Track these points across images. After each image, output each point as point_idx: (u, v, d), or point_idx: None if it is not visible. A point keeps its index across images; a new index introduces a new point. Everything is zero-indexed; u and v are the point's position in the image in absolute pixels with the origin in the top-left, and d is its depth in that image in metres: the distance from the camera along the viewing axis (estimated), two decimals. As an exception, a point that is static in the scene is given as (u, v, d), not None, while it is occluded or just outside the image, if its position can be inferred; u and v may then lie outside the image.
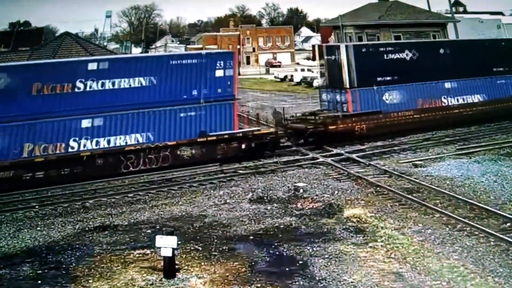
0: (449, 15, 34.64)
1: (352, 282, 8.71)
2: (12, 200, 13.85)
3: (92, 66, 15.34)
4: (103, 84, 15.26)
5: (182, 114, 16.17)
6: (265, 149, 17.49)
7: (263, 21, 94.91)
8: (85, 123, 15.04)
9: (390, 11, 31.54)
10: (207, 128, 16.47)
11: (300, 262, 9.55)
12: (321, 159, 17.30)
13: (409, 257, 9.56)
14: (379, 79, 19.57)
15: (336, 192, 13.67)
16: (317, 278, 8.88)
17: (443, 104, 20.92)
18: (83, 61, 16.43)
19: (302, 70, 47.07)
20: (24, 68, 15.49)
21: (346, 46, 19.89)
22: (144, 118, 15.73)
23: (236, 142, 16.87)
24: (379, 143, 19.30)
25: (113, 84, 15.41)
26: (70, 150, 14.92)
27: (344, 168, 16.02)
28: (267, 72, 57.03)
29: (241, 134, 17.07)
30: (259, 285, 8.73)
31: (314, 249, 10.07)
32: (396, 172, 15.21)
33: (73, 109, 14.90)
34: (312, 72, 41.21)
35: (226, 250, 10.21)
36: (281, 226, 11.41)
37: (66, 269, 9.57)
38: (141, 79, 15.72)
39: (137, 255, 10.05)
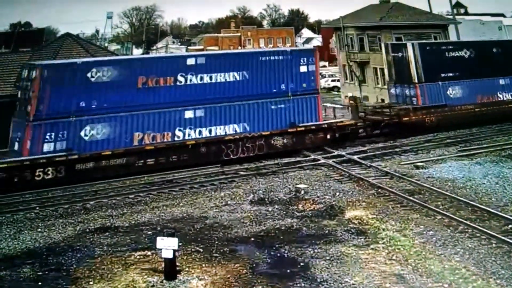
0: (450, 16, 34.63)
1: (353, 284, 8.68)
2: (12, 202, 13.84)
3: (191, 61, 16.76)
4: (201, 78, 16.66)
5: (273, 107, 17.57)
6: (347, 139, 18.99)
7: (264, 22, 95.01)
8: (188, 114, 16.41)
9: (391, 12, 31.51)
10: (295, 120, 17.89)
11: (301, 264, 9.52)
12: (322, 161, 17.27)
13: (411, 259, 9.53)
14: (442, 75, 21.43)
15: (337, 193, 13.64)
16: (318, 280, 8.85)
17: (499, 99, 22.65)
18: (183, 56, 18.68)
19: None
20: (130, 62, 16.83)
21: (413, 44, 21.67)
22: (239, 110, 17.10)
23: (322, 132, 18.45)
24: (380, 145, 19.29)
25: (210, 78, 16.79)
26: (176, 139, 16.28)
27: (346, 170, 15.99)
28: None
29: (326, 125, 18.69)
30: (260, 287, 8.70)
31: (315, 251, 10.04)
32: (397, 174, 15.19)
33: (176, 101, 16.24)
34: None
35: (227, 251, 10.19)
36: (282, 228, 11.39)
37: (66, 270, 9.56)
38: (235, 73, 17.13)
39: (138, 257, 10.03)
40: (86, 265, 9.72)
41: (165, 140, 15.97)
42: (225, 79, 16.95)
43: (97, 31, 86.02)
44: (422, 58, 21.10)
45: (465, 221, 11.23)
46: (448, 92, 21.50)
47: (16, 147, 15.34)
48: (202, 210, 12.82)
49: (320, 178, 15.24)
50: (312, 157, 17.83)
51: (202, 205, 13.20)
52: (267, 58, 17.80)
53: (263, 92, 17.46)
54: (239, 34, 69.11)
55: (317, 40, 73.51)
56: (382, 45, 24.72)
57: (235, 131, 17.00)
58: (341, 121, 19.51)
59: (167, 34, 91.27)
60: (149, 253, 10.12)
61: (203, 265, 9.57)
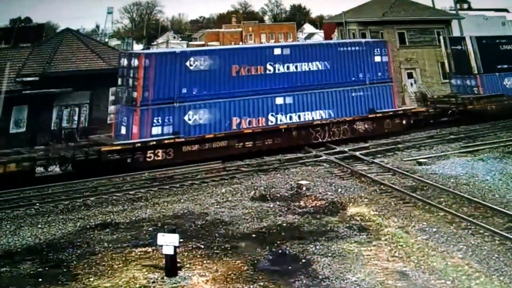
0: (454, 12, 34.38)
1: (355, 281, 8.62)
2: (12, 198, 13.80)
3: (277, 51, 17.96)
4: (288, 67, 17.92)
5: (353, 94, 18.86)
6: (420, 125, 20.20)
7: (266, 18, 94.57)
8: (279, 100, 17.68)
9: (393, 7, 31.30)
10: (374, 106, 19.23)
11: (303, 260, 9.46)
12: (324, 157, 17.18)
13: (413, 256, 9.47)
14: (498, 66, 22.97)
15: (339, 190, 13.56)
16: (320, 276, 8.80)
17: None
18: (270, 46, 19.80)
19: None
20: (224, 52, 17.87)
21: (471, 38, 23.30)
22: (324, 97, 18.40)
23: (398, 118, 19.74)
24: (383, 141, 19.20)
25: (296, 67, 18.10)
26: (269, 123, 17.56)
27: (348, 166, 15.90)
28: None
29: (401, 112, 20.00)
30: (261, 283, 8.65)
31: (317, 247, 9.98)
32: (400, 170, 15.10)
33: (267, 88, 17.49)
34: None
35: (228, 248, 10.13)
36: (284, 224, 11.32)
37: (67, 267, 9.52)
38: (317, 63, 18.46)
39: (138, 253, 9.98)
40: (87, 261, 9.69)
41: (260, 124, 17.38)
42: (309, 68, 18.24)
43: (97, 27, 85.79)
44: (480, 50, 22.62)
45: (468, 218, 11.15)
46: (504, 83, 23.00)
47: (123, 131, 16.44)
48: (203, 206, 12.76)
49: (322, 175, 15.16)
50: (314, 153, 17.75)
51: (203, 201, 13.15)
52: (345, 48, 19.15)
53: (343, 81, 18.73)
54: (240, 29, 68.82)
55: (319, 36, 73.11)
56: (441, 39, 26.13)
57: (321, 116, 18.37)
58: (415, 108, 21.08)
59: (167, 29, 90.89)
60: (149, 249, 10.07)
61: (204, 262, 9.51)
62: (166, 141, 15.90)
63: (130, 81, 16.35)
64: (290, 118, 17.83)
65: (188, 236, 10.74)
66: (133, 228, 11.39)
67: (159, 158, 15.82)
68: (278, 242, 10.32)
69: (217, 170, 16.06)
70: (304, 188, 13.73)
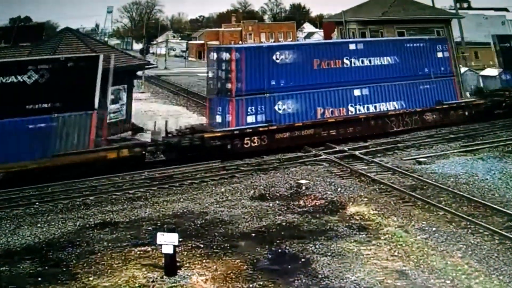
0: (453, 11, 34.33)
1: (355, 280, 8.62)
2: (12, 197, 13.79)
3: (352, 47, 19.33)
4: (362, 61, 19.27)
5: (421, 87, 20.13)
6: (480, 116, 21.20)
7: (266, 17, 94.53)
8: (356, 92, 18.94)
9: (393, 7, 31.23)
10: (439, 98, 20.51)
11: (303, 259, 9.46)
12: (323, 156, 17.17)
13: (413, 255, 9.47)
14: None
15: (339, 189, 13.56)
16: (319, 276, 8.79)
17: None
18: (345, 42, 21.25)
19: None
20: (305, 46, 19.73)
21: None
22: (396, 89, 19.68)
23: (461, 110, 21.05)
24: (382, 140, 19.19)
25: (369, 61, 19.47)
26: (349, 113, 18.78)
27: (347, 165, 15.90)
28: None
29: (464, 104, 21.32)
30: (261, 282, 8.65)
31: (317, 246, 9.97)
32: (399, 169, 15.09)
33: (345, 81, 18.77)
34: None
35: (228, 247, 10.13)
36: (283, 224, 11.32)
37: (66, 266, 9.51)
38: (388, 58, 19.75)
39: (138, 252, 9.97)
40: (86, 260, 9.67)
41: (341, 114, 18.64)
42: (381, 63, 19.59)
43: (97, 26, 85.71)
44: None
45: (467, 217, 11.15)
46: None
47: (218, 119, 17.55)
48: (203, 205, 12.75)
49: (321, 174, 15.16)
50: (314, 152, 17.75)
51: (203, 200, 13.14)
52: (411, 45, 20.50)
53: (411, 74, 19.99)
54: (240, 28, 68.78)
55: (319, 35, 73.06)
56: (490, 37, 27.75)
57: (395, 107, 19.63)
58: (474, 100, 22.13)
59: (167, 28, 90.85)
60: (149, 248, 10.06)
61: (204, 261, 9.51)
62: (260, 129, 17.22)
63: (222, 73, 17.50)
64: (368, 108, 19.15)
65: (187, 235, 10.73)
66: (133, 227, 11.38)
67: (255, 144, 17.12)
68: (278, 241, 10.31)
69: (216, 169, 16.06)
70: (303, 187, 13.72)
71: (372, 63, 19.44)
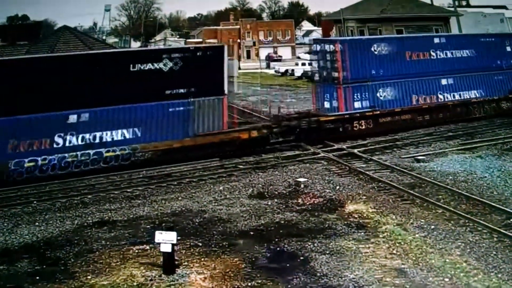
0: (452, 9, 34.30)
1: (353, 278, 8.61)
2: (10, 195, 13.75)
3: (436, 40, 21.37)
4: (446, 54, 21.15)
5: (495, 77, 22.08)
6: None
7: (264, 15, 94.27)
8: (443, 81, 20.92)
9: (392, 5, 31.22)
10: (511, 88, 22.31)
11: (301, 258, 9.45)
12: (322, 154, 17.16)
13: (411, 253, 9.46)
14: None
15: (337, 187, 13.55)
16: (318, 274, 8.78)
17: None
18: (430, 36, 23.42)
19: (303, 64, 46.59)
20: (398, 40, 21.47)
21: None
22: (475, 79, 21.56)
23: None
24: (381, 138, 19.19)
25: (452, 54, 21.30)
26: (439, 100, 20.76)
27: (346, 163, 15.89)
28: (268, 66, 56.64)
29: None
30: (259, 281, 8.63)
31: (315, 244, 9.96)
32: (398, 167, 15.09)
33: (432, 71, 20.66)
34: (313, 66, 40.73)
35: (226, 245, 10.11)
36: (282, 222, 11.30)
37: (64, 264, 9.49)
38: (466, 51, 21.66)
39: (136, 251, 9.95)
40: (84, 259, 9.65)
41: (432, 101, 20.51)
42: (461, 55, 21.42)
43: (95, 24, 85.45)
44: None
45: (466, 215, 11.15)
46: None
47: (326, 105, 19.46)
48: (201, 204, 12.73)
49: (320, 172, 15.14)
50: (312, 150, 17.73)
51: (201, 199, 13.11)
52: (485, 39, 22.43)
53: (487, 66, 21.81)
54: (238, 26, 68.58)
55: (317, 33, 72.94)
56: None
57: (475, 95, 21.47)
58: None
59: (165, 26, 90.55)
60: (147, 247, 10.04)
61: (202, 259, 9.49)
62: (367, 114, 19.18)
63: (327, 63, 19.47)
64: (453, 96, 21.07)
65: (185, 233, 10.70)
66: (131, 226, 11.35)
67: (362, 127, 19.08)
68: (276, 239, 10.30)
69: (214, 167, 16.03)
70: (302, 186, 13.71)
71: (454, 55, 21.30)
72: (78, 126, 14.97)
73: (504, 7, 43.90)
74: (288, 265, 9.18)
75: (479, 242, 9.89)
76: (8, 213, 12.55)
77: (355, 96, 19.16)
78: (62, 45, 21.89)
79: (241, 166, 16.12)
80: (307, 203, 12.46)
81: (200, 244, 10.22)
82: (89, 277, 8.93)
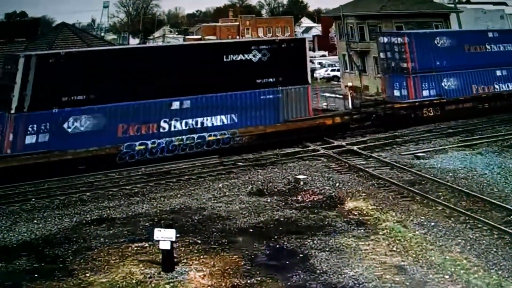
0: (452, 5, 34.19)
1: (353, 275, 8.58)
2: (8, 193, 13.69)
3: (490, 34, 23.44)
4: (499, 47, 23.27)
5: None
6: None
7: (263, 11, 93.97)
8: (498, 72, 22.76)
9: (391, 1, 31.08)
10: None
11: (301, 255, 9.42)
12: (322, 151, 17.12)
13: (411, 250, 9.44)
14: None
15: (337, 184, 13.51)
16: (317, 271, 8.75)
17: None
18: (484, 30, 25.30)
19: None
20: (457, 33, 23.77)
21: None
22: None
23: None
24: (381, 135, 19.15)
25: (504, 47, 23.41)
26: (495, 90, 22.45)
27: (345, 160, 15.85)
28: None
29: None
30: (259, 278, 8.60)
31: (315, 242, 9.93)
32: (398, 164, 15.06)
33: (488, 63, 22.45)
34: (313, 63, 40.68)
35: (226, 243, 10.07)
36: (281, 219, 11.27)
37: (63, 262, 9.45)
38: (508, 45, 23.80)
39: (135, 248, 9.91)
40: (83, 256, 9.61)
41: (490, 91, 22.35)
42: (505, 49, 23.36)
43: (93, 21, 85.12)
44: None
45: (466, 212, 11.12)
46: None
47: (396, 93, 21.11)
48: (200, 201, 12.69)
49: (319, 169, 15.10)
50: (312, 147, 17.68)
51: (200, 196, 13.07)
52: None
53: None
54: (237, 23, 68.37)
55: (317, 29, 72.80)
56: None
57: None
58: None
59: (164, 23, 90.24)
60: (146, 244, 10.00)
61: (201, 257, 9.46)
62: (434, 101, 20.87)
63: (395, 54, 21.04)
64: (508, 86, 22.84)
65: (185, 231, 10.67)
66: (130, 223, 11.31)
67: (431, 114, 20.60)
68: (276, 236, 10.26)
69: (214, 165, 15.98)
70: (301, 183, 13.67)
71: (506, 49, 23.24)
72: (181, 112, 16.25)
73: (504, 3, 43.81)
74: (287, 262, 9.14)
75: (480, 239, 9.87)
76: (7, 210, 12.51)
77: (423, 85, 20.71)
78: (60, 42, 21.78)
79: (240, 163, 16.08)
80: (307, 200, 12.42)
81: (199, 241, 10.18)
82: (87, 274, 8.90)
